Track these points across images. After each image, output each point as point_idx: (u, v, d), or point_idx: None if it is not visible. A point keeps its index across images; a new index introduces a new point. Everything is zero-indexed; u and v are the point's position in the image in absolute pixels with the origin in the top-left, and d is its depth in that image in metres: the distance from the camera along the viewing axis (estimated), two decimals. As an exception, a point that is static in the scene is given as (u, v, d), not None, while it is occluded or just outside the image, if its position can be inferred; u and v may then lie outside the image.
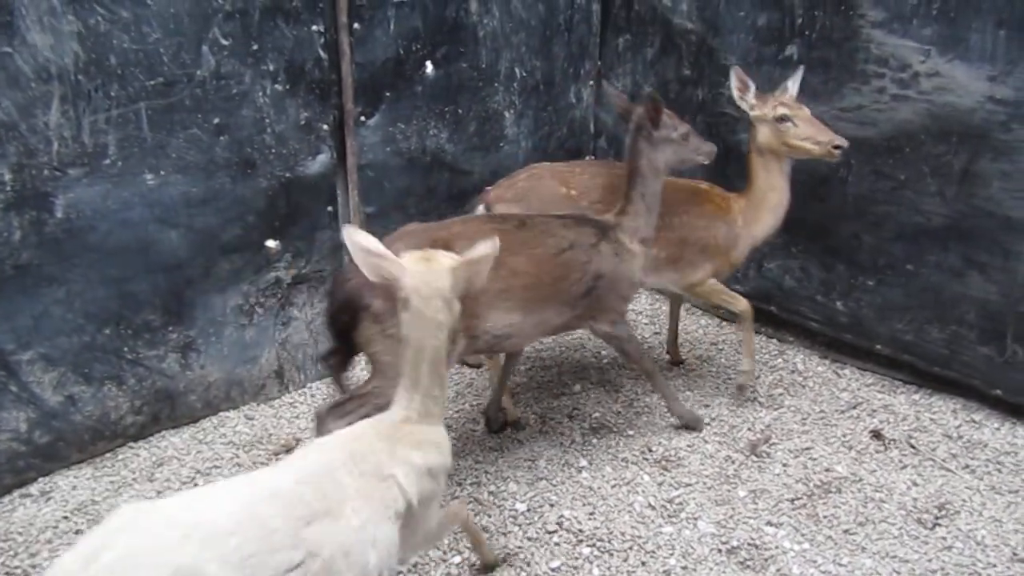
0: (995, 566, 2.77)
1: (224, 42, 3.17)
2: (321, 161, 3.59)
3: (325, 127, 3.57)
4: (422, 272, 2.04)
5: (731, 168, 4.10)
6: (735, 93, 3.42)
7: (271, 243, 3.55)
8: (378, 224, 3.91)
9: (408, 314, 2.05)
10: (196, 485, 3.12)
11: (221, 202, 3.34)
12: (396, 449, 2.02)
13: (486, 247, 2.05)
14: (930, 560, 2.80)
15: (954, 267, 3.52)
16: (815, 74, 3.70)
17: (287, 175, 3.50)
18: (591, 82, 4.51)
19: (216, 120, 3.24)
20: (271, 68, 3.33)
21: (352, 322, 2.74)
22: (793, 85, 3.39)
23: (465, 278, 2.06)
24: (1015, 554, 2.82)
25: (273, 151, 3.43)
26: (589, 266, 3.04)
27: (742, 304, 3.60)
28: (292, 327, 3.74)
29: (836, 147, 3.23)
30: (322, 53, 3.46)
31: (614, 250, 3.10)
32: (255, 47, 3.25)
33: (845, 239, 3.81)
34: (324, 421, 2.76)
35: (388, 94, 3.73)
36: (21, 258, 2.90)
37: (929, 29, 3.34)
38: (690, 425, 3.50)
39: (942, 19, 3.29)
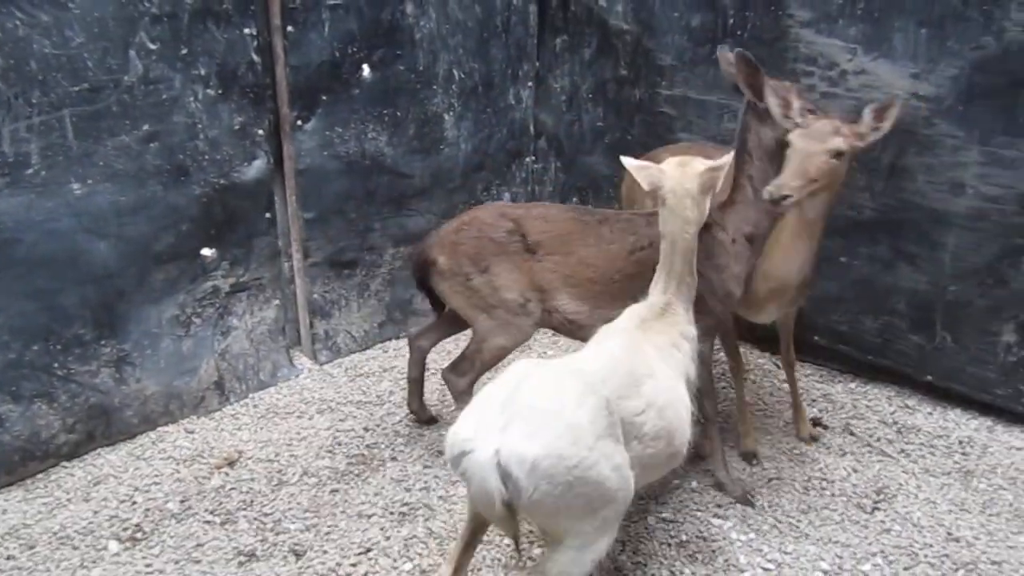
0: (931, 546, 2.87)
1: (152, 46, 3.08)
2: (257, 167, 3.52)
3: (260, 132, 3.50)
4: (677, 176, 2.52)
5: (669, 166, 4.16)
6: (776, 112, 2.74)
7: (207, 251, 3.46)
8: (318, 230, 3.85)
9: (665, 211, 2.56)
10: (135, 503, 3.03)
11: (153, 210, 3.25)
12: (675, 327, 2.55)
13: (726, 157, 2.57)
14: (870, 544, 2.88)
15: (884, 259, 3.63)
16: (748, 73, 3.77)
17: (222, 181, 3.41)
18: (530, 83, 4.53)
19: (146, 126, 3.14)
20: (202, 72, 3.24)
21: (425, 277, 3.12)
22: (869, 114, 2.68)
23: (709, 182, 2.52)
24: (950, 534, 2.92)
25: (207, 157, 3.35)
26: None
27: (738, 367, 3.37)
28: (232, 337, 3.65)
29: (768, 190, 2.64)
30: (255, 56, 3.39)
31: (704, 250, 2.75)
32: (185, 51, 3.17)
33: (781, 234, 3.89)
34: (449, 380, 3.16)
35: (325, 98, 3.67)
36: (-61, 273, 2.77)
37: (854, 28, 3.44)
38: (737, 499, 3.09)
39: (867, 19, 3.40)
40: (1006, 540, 2.90)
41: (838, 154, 2.64)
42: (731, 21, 3.79)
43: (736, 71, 2.78)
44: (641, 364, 2.33)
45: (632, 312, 2.58)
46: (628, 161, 2.62)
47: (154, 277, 3.33)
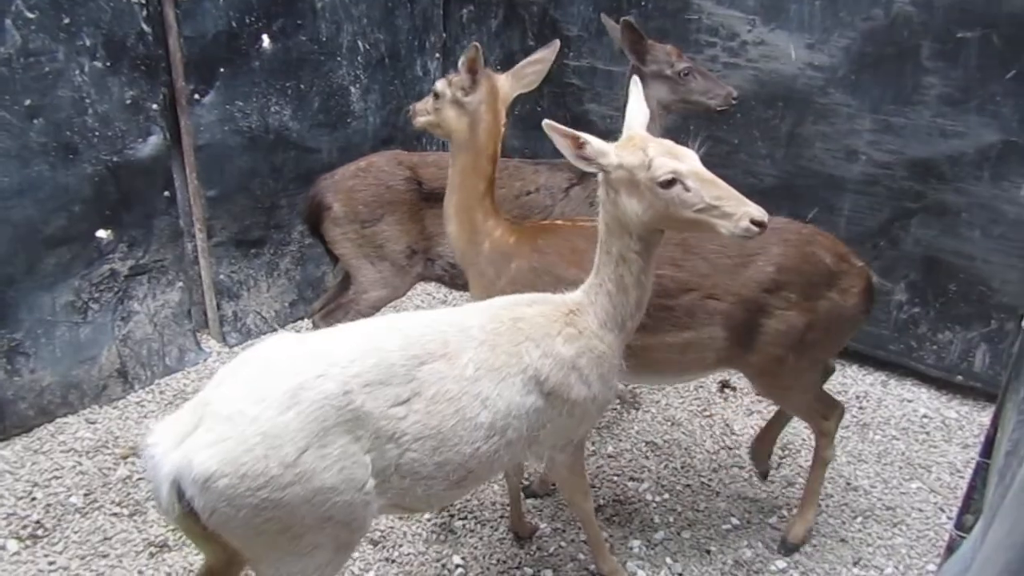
0: (832, 496, 3.02)
1: (30, 15, 2.88)
2: (153, 143, 3.36)
3: (155, 106, 3.33)
4: (633, 156, 1.90)
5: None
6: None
7: (102, 233, 3.29)
8: (222, 208, 3.72)
9: (607, 200, 1.97)
10: (34, 500, 2.88)
11: (41, 191, 3.06)
12: (547, 329, 1.99)
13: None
14: (776, 497, 3.02)
15: (785, 224, 3.76)
16: (653, 44, 3.82)
17: (115, 159, 3.24)
18: (437, 54, 4.46)
19: (28, 101, 2.95)
20: (88, 43, 3.06)
21: (317, 222, 3.06)
22: (462, 68, 2.51)
23: (643, 184, 1.89)
24: (848, 483, 3.09)
25: (97, 134, 3.17)
26: (553, 209, 3.05)
27: None
28: (134, 321, 3.50)
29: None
30: (145, 26, 3.21)
31: (589, 197, 2.93)
32: (67, 20, 2.98)
33: (688, 202, 3.99)
34: (319, 328, 2.96)
35: (223, 70, 3.52)
36: None
37: (753, 0, 3.52)
38: None
39: (764, -10, 3.49)
40: (899, 487, 3.09)
41: (435, 96, 2.52)
42: (635, -8, 3.83)
43: (621, 38, 2.91)
44: (437, 344, 1.86)
45: (530, 304, 2.06)
46: (555, 127, 1.94)
47: (45, 262, 3.15)
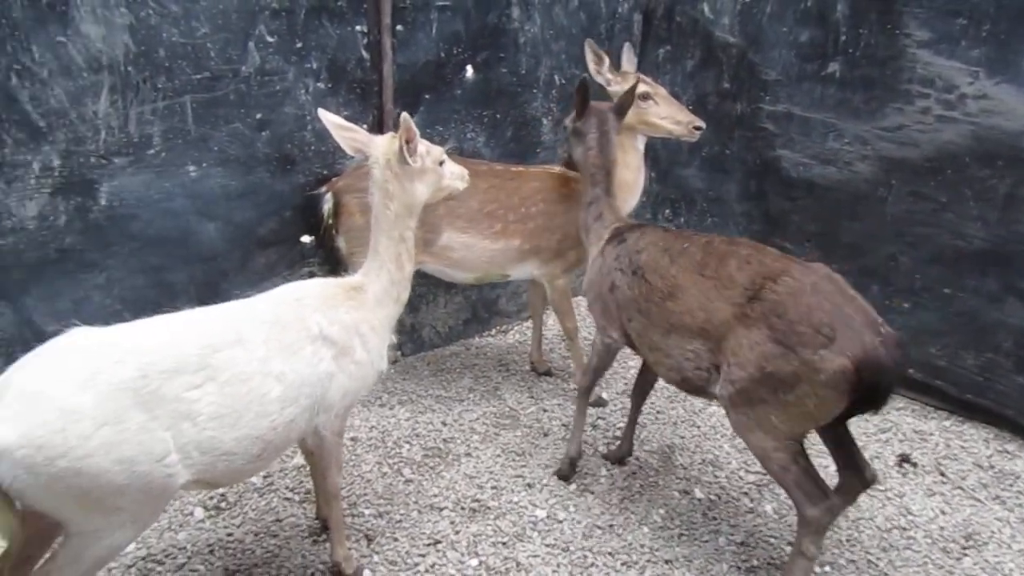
0: (1023, 601, 2.71)
1: (270, 39, 3.22)
2: (359, 161, 3.62)
3: (364, 126, 3.59)
4: (381, 141, 2.47)
5: (767, 182, 4.08)
6: (591, 67, 3.48)
7: (306, 239, 3.59)
8: (412, 224, 3.94)
9: (371, 183, 2.47)
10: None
11: (259, 196, 3.40)
12: (331, 301, 2.36)
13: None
14: (954, 590, 2.75)
15: (992, 293, 3.45)
16: (856, 92, 3.66)
17: (326, 172, 3.54)
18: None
19: (259, 115, 3.29)
20: (314, 66, 3.37)
21: None
22: (627, 58, 3.58)
23: (429, 170, 2.52)
24: (1044, 589, 2.76)
25: (312, 148, 3.48)
26: None
27: (573, 322, 3.69)
28: (322, 323, 3.77)
29: (697, 128, 3.36)
30: (364, 53, 3.50)
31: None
32: (299, 45, 3.30)
33: (881, 259, 3.76)
34: None
35: (427, 96, 3.76)
36: (65, 242, 2.97)
37: (977, 51, 3.29)
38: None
39: (991, 41, 3.24)
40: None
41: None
42: (843, 38, 3.68)
43: (575, 91, 3.09)
44: (229, 331, 2.14)
45: (314, 283, 2.47)
46: (327, 117, 2.51)
47: (256, 260, 3.48)
